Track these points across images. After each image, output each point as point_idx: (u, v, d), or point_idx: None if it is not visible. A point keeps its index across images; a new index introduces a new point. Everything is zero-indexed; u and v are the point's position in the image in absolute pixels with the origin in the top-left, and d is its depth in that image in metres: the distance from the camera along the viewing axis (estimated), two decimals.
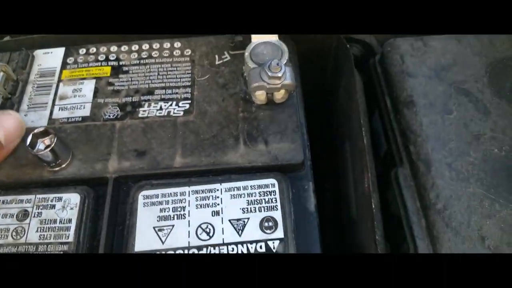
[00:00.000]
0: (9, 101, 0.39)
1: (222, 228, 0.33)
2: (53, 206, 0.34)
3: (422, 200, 0.34)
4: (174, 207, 0.34)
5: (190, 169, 0.35)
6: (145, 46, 0.42)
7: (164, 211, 0.34)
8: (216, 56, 0.41)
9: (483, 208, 0.32)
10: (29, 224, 0.33)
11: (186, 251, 0.32)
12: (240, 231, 0.33)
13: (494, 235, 0.31)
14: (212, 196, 0.34)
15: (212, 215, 0.33)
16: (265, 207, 0.33)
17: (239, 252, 0.32)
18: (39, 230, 0.33)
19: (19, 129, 0.36)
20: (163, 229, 0.33)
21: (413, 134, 0.36)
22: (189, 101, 0.39)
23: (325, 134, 0.55)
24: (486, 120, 0.36)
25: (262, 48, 0.38)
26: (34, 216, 0.33)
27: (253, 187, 0.34)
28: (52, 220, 0.33)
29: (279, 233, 0.32)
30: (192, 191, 0.34)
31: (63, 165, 0.35)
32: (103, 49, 0.42)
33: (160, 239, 0.32)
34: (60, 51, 0.42)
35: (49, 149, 0.33)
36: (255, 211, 0.33)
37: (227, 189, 0.34)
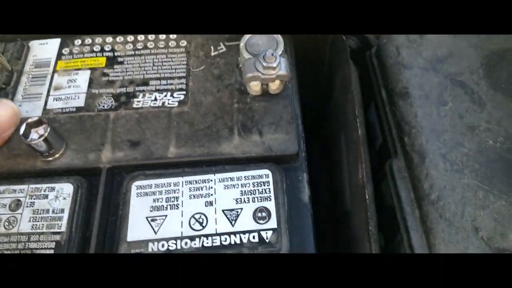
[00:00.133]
0: (3, 92, 0.39)
1: (215, 218, 0.33)
2: (46, 196, 0.34)
3: (416, 191, 0.34)
4: (167, 197, 0.34)
5: (184, 160, 0.35)
6: (141, 37, 0.42)
7: (157, 201, 0.33)
8: (212, 47, 0.41)
9: (477, 199, 0.32)
10: (21, 214, 0.33)
11: (178, 241, 0.32)
12: (233, 221, 0.32)
13: (488, 226, 0.31)
14: (206, 186, 0.34)
15: (206, 206, 0.33)
16: (259, 198, 0.33)
17: (232, 242, 0.32)
18: (31, 220, 0.33)
19: (13, 118, 0.36)
20: (156, 219, 0.33)
21: (407, 126, 0.36)
22: (184, 92, 0.38)
23: (321, 126, 0.55)
24: (481, 111, 0.36)
25: (258, 39, 0.37)
26: (26, 206, 0.33)
27: (247, 178, 0.34)
28: (45, 210, 0.33)
29: (272, 223, 0.32)
30: (185, 182, 0.34)
31: (57, 155, 0.35)
32: (98, 40, 0.42)
33: (153, 229, 0.32)
34: (55, 42, 0.42)
35: (42, 138, 0.33)
36: (249, 202, 0.33)
37: (220, 180, 0.34)
